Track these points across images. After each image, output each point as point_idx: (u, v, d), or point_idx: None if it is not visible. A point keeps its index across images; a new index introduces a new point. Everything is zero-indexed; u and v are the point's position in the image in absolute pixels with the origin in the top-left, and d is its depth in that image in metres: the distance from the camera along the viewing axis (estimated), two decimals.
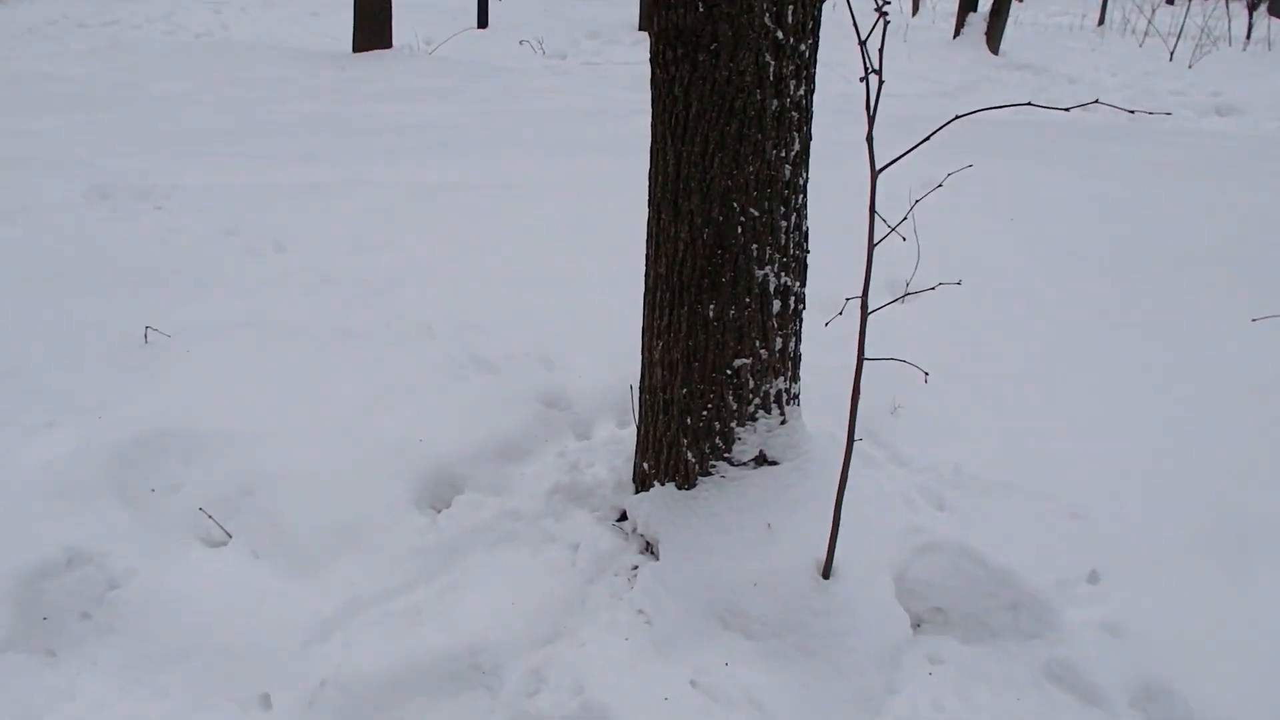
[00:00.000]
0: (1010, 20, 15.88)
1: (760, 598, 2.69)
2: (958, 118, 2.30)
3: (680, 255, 2.69)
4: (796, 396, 3.01)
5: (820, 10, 2.53)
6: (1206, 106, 11.50)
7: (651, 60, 2.59)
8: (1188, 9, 19.52)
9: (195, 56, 10.48)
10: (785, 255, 2.71)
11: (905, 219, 2.32)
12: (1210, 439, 3.47)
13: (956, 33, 15.51)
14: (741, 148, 2.52)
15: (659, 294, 2.81)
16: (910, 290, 3.49)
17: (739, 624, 2.69)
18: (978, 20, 15.37)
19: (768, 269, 2.69)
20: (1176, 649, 2.61)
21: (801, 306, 2.87)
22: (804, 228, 2.77)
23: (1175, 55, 15.17)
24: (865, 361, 2.39)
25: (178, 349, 3.87)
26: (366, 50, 12.21)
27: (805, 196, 2.73)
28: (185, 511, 3.10)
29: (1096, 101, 2.19)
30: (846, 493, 2.56)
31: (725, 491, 2.93)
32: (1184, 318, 4.35)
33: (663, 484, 3.01)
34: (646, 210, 2.77)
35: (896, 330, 4.07)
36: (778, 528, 2.82)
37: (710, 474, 2.95)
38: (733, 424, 2.89)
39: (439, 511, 3.20)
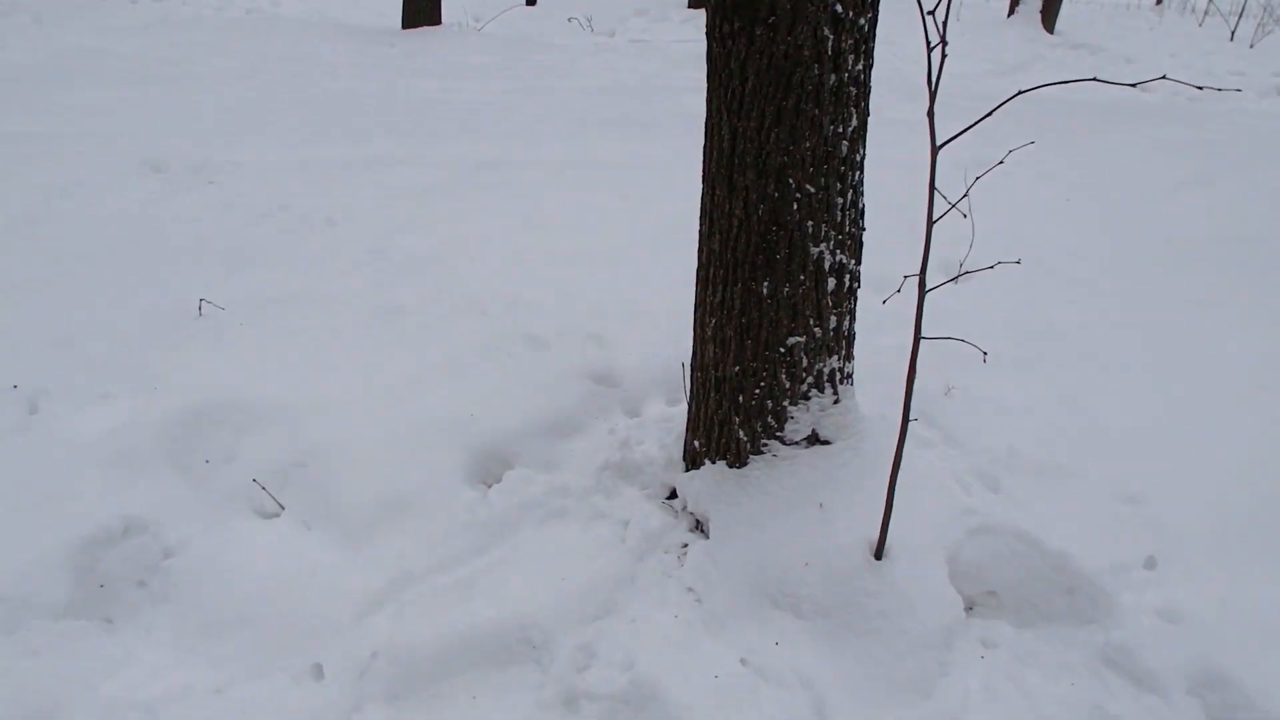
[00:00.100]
0: None
1: (811, 577, 2.67)
2: (1021, 93, 2.25)
3: (734, 231, 2.65)
4: (850, 375, 2.98)
5: None
6: (1269, 87, 11.18)
7: (708, 34, 2.56)
8: None
9: (245, 33, 10.54)
10: (841, 232, 2.68)
11: (965, 196, 2.27)
12: (1271, 426, 3.39)
13: (1011, 11, 15.21)
14: (798, 123, 2.47)
15: (712, 270, 2.78)
16: (966, 270, 3.43)
17: (790, 603, 2.68)
18: None
19: (823, 246, 2.65)
20: (1235, 636, 2.56)
21: (856, 284, 2.83)
22: (860, 205, 2.73)
23: (1236, 35, 14.79)
24: (921, 340, 2.35)
25: (231, 321, 3.92)
26: (416, 27, 12.22)
27: (862, 173, 2.68)
28: (239, 483, 3.14)
29: (1164, 77, 2.13)
30: (900, 474, 2.53)
31: (777, 470, 2.91)
32: (1239, 301, 4.25)
33: (713, 462, 2.99)
34: (697, 189, 2.73)
35: (948, 310, 4.02)
36: (830, 507, 2.80)
37: (762, 452, 2.93)
38: (785, 402, 2.86)
39: (489, 486, 3.21)
